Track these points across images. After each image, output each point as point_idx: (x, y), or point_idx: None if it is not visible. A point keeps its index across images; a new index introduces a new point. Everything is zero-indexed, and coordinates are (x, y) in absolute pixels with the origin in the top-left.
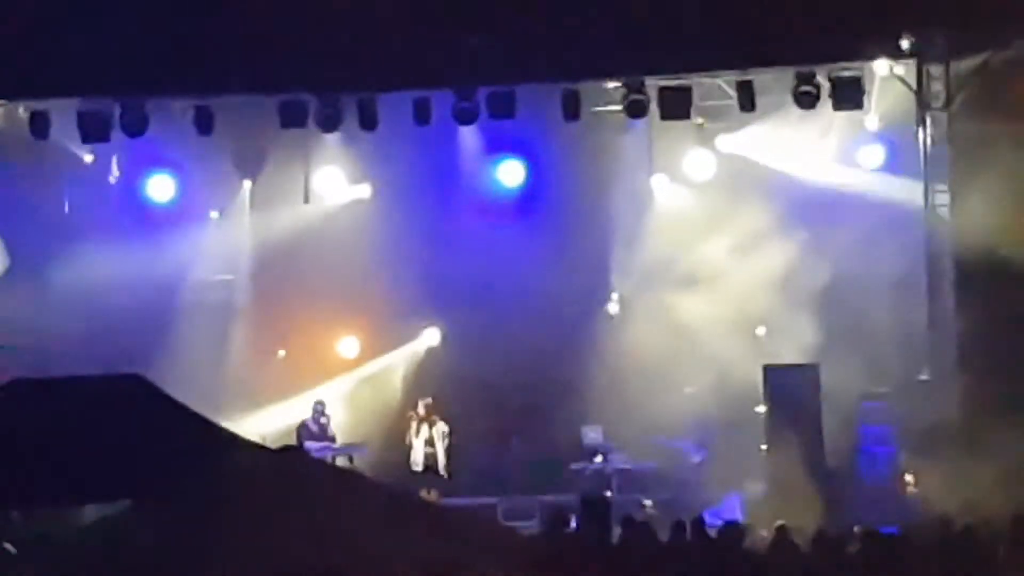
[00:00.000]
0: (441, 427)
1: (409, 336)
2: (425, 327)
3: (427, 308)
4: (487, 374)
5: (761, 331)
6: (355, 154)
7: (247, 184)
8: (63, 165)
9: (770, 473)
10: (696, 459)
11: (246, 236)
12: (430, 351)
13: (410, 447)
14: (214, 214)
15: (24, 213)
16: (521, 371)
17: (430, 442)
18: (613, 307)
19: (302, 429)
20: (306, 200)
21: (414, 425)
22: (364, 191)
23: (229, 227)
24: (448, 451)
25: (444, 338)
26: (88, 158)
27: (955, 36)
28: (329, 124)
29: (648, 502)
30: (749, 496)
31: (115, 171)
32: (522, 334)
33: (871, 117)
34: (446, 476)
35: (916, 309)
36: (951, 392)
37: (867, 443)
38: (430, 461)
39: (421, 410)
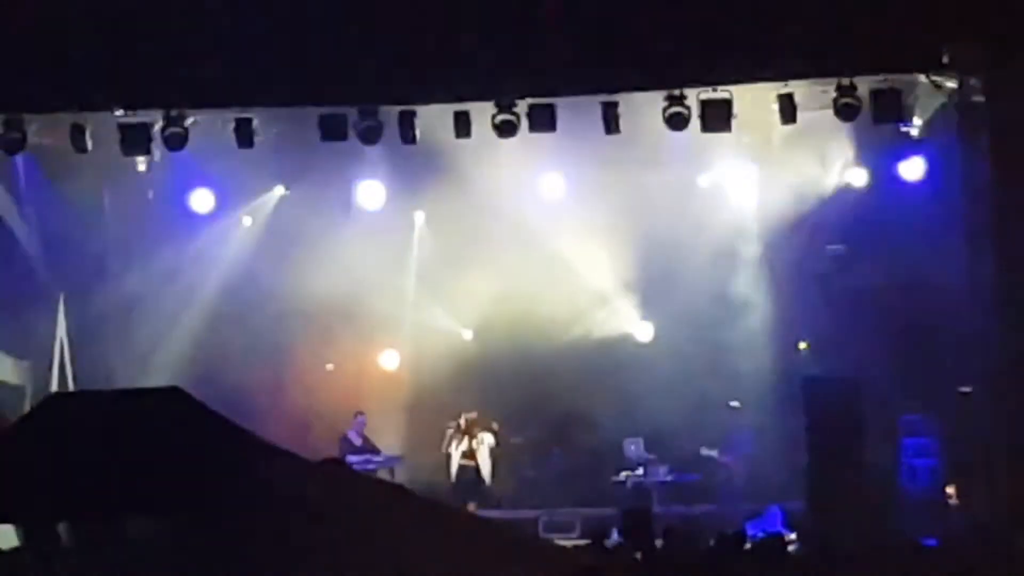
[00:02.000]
0: (487, 438)
1: (450, 348)
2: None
3: (468, 320)
4: (527, 386)
5: (803, 346)
6: (396, 167)
7: (279, 190)
8: (105, 177)
9: (811, 486)
10: (727, 460)
11: (285, 245)
12: (471, 363)
13: (448, 459)
14: (247, 220)
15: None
16: (562, 383)
17: (469, 455)
18: (645, 334)
19: (343, 441)
20: (347, 213)
21: (453, 436)
22: (404, 205)
23: (263, 235)
24: (494, 462)
25: (485, 350)
26: (142, 167)
27: (997, 47)
28: (370, 137)
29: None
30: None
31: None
32: (563, 346)
33: (912, 128)
34: (489, 484)
35: (959, 321)
36: (995, 405)
37: (908, 455)
38: (470, 474)
39: (463, 423)
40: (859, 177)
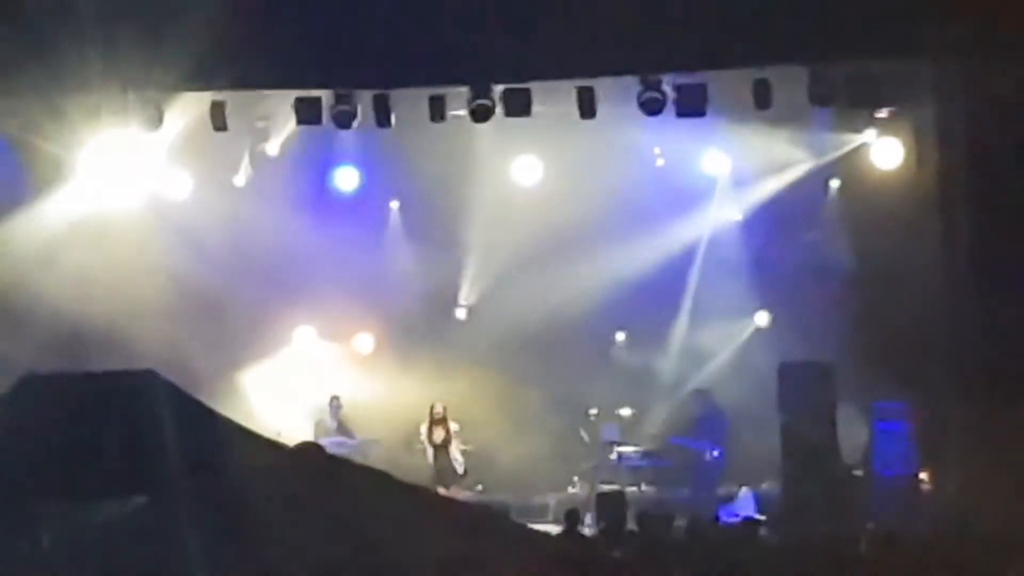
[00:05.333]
0: (454, 427)
1: (425, 332)
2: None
3: (442, 305)
4: (503, 371)
5: (763, 319)
6: (371, 150)
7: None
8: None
9: (784, 471)
10: (714, 454)
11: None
12: (446, 348)
13: (424, 450)
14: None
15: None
16: (539, 368)
17: (445, 444)
18: (621, 322)
19: (319, 425)
20: (324, 194)
21: (426, 428)
22: (379, 187)
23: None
24: (463, 452)
25: (460, 335)
26: None
27: (975, 32)
28: (344, 121)
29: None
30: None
31: None
32: (541, 330)
33: (887, 113)
34: (462, 473)
35: (932, 305)
36: (968, 389)
37: (882, 442)
38: (444, 462)
39: (438, 411)
40: (829, 162)
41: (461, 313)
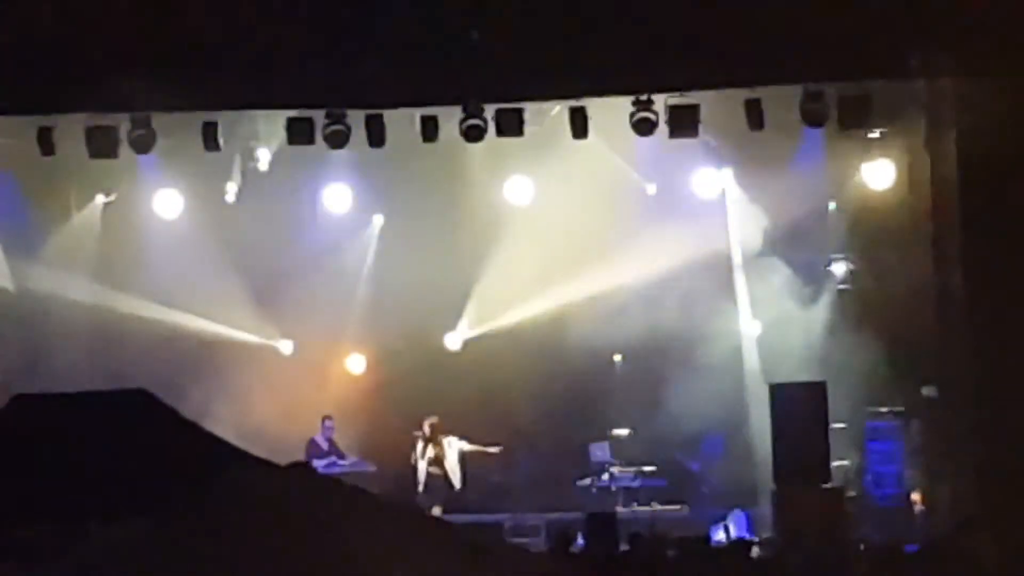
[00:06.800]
0: (455, 443)
1: (415, 353)
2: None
3: (434, 324)
4: (494, 391)
5: (757, 331)
6: (364, 170)
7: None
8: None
9: (776, 491)
10: (695, 467)
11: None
12: (436, 369)
13: (415, 467)
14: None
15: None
16: (528, 388)
17: (435, 461)
18: (612, 341)
19: (310, 445)
20: (314, 216)
21: (419, 445)
22: (371, 207)
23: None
24: (464, 466)
25: (450, 356)
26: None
27: (968, 54)
28: (337, 141)
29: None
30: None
31: None
32: (532, 351)
33: (879, 133)
34: (458, 488)
35: (924, 323)
36: (959, 409)
37: (874, 461)
38: (437, 481)
39: (427, 429)
40: (824, 182)
41: (455, 339)
